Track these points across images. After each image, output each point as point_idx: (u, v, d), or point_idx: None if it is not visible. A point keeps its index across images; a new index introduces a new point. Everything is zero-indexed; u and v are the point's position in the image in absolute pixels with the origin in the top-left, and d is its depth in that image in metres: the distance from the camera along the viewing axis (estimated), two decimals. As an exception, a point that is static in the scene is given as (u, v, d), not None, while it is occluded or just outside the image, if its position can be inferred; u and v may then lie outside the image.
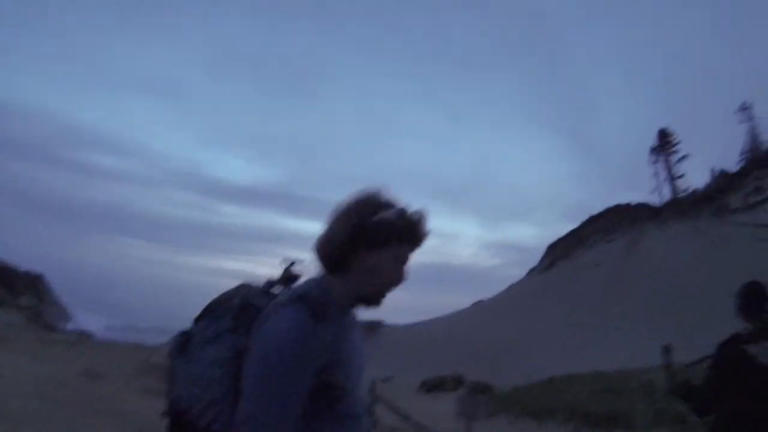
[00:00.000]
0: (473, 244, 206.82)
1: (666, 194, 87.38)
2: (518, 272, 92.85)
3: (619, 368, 27.15)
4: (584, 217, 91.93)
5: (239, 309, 1.80)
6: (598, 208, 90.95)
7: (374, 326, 72.96)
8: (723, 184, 77.21)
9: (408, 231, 1.86)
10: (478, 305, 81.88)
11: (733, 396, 3.73)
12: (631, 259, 70.67)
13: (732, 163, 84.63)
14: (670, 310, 58.19)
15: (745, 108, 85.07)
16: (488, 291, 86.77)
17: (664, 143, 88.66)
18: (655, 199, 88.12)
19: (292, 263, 2.10)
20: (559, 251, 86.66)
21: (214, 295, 1.91)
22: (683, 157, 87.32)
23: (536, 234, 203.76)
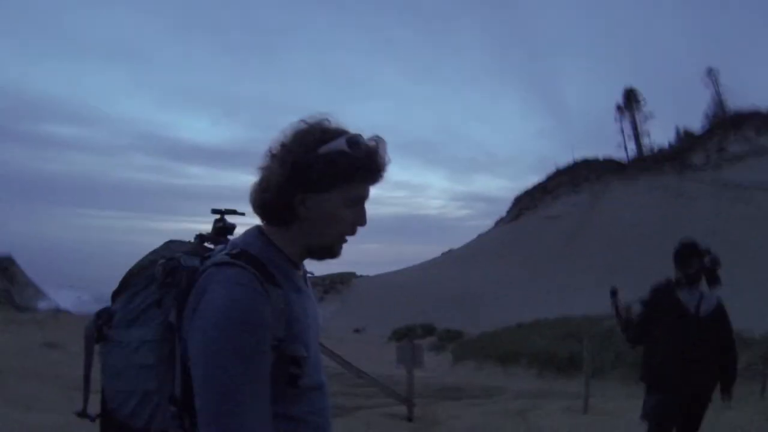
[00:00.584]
0: (442, 195, 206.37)
1: (632, 151, 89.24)
2: (487, 223, 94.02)
3: (583, 315, 27.48)
4: (551, 170, 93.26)
5: (165, 275, 1.44)
6: (565, 162, 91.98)
7: (345, 278, 73.96)
8: (687, 143, 79.16)
9: (363, 164, 1.47)
10: (448, 254, 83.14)
11: (659, 327, 4.66)
12: (595, 211, 72.41)
13: (696, 123, 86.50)
14: (632, 260, 59.46)
15: (711, 72, 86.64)
16: (457, 241, 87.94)
17: (630, 101, 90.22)
18: (620, 155, 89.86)
19: (224, 212, 1.76)
20: (526, 203, 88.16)
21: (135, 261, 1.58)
22: (648, 116, 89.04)
23: (504, 186, 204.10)
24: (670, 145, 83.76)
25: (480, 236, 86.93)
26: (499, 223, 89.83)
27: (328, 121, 1.52)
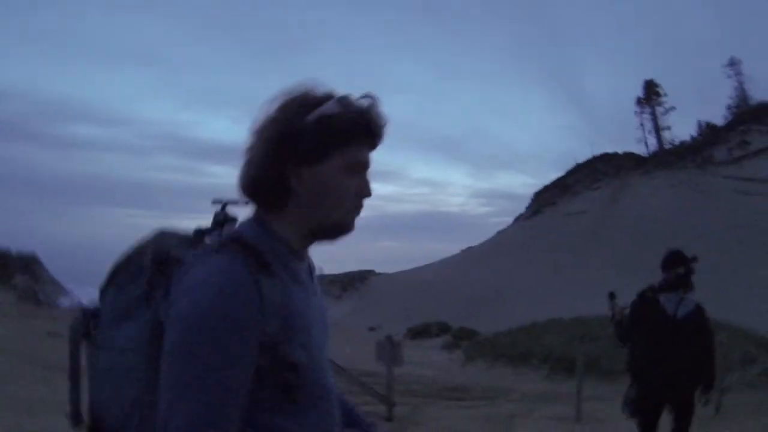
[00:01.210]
0: (463, 192, 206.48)
1: (652, 145, 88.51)
2: (508, 220, 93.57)
3: (599, 314, 26.78)
4: (571, 165, 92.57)
5: (154, 267, 1.29)
6: (585, 157, 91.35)
7: (364, 276, 74.01)
8: (708, 137, 78.15)
9: (359, 125, 1.34)
10: (467, 252, 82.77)
11: (643, 327, 5.11)
12: (615, 207, 71.59)
13: (718, 116, 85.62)
14: (652, 256, 59.09)
15: (733, 63, 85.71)
16: (479, 239, 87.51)
17: (650, 95, 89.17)
18: (640, 150, 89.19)
19: (226, 204, 1.47)
20: (546, 199, 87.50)
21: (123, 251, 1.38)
22: (669, 109, 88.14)
23: (526, 183, 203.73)
24: (692, 139, 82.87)
25: (499, 233, 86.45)
26: (518, 219, 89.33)
27: (314, 87, 1.36)
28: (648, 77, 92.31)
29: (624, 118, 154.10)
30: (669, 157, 77.48)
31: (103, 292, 1.35)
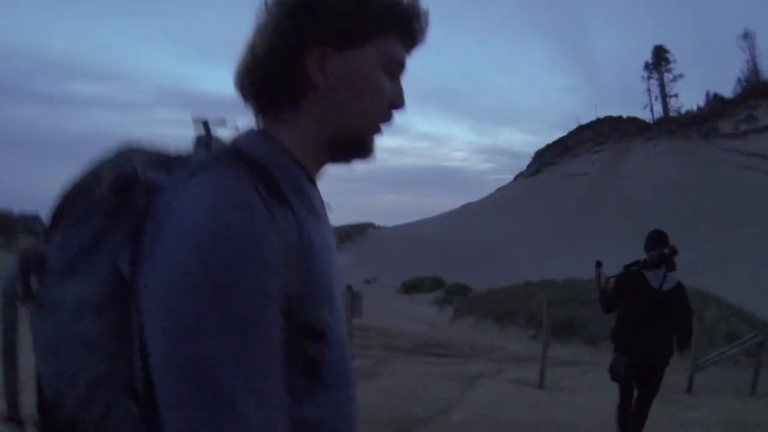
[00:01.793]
0: (465, 147, 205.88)
1: (657, 112, 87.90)
2: (509, 177, 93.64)
3: (593, 277, 26.50)
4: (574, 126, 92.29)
5: (115, 195, 0.85)
6: (589, 119, 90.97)
7: (362, 229, 74.36)
8: (716, 108, 77.20)
9: (400, 14, 1.01)
10: (465, 208, 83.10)
11: (627, 300, 5.53)
12: (615, 171, 71.76)
13: (728, 89, 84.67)
14: (650, 224, 58.31)
15: (747, 36, 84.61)
16: (479, 194, 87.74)
17: (659, 60, 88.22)
18: (646, 116, 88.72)
19: (209, 123, 0.97)
20: (546, 159, 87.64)
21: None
22: (678, 77, 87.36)
23: (528, 141, 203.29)
24: (698, 109, 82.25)
25: (498, 190, 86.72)
26: (518, 177, 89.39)
27: None
28: (658, 42, 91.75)
29: (631, 82, 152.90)
30: (673, 126, 77.04)
31: (48, 234, 0.91)
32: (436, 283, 38.17)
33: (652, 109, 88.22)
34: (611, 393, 5.92)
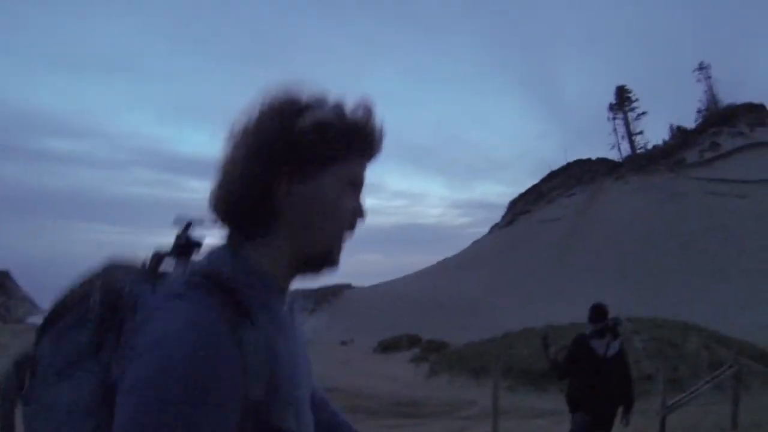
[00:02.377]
0: (441, 203, 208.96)
1: (625, 150, 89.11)
2: (485, 230, 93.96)
3: (572, 321, 26.79)
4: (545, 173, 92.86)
5: (104, 309, 0.98)
6: (559, 164, 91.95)
7: (338, 289, 73.22)
8: (680, 140, 79.09)
9: (358, 136, 1.12)
10: (442, 264, 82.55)
11: (578, 368, 6.14)
12: (589, 213, 71.70)
13: (690, 120, 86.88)
14: (627, 261, 59.51)
15: (703, 67, 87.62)
16: (456, 249, 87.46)
17: (622, 100, 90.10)
18: (614, 155, 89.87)
19: (189, 224, 1.11)
20: (520, 207, 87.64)
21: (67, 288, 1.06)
22: (641, 114, 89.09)
23: (504, 191, 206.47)
24: (664, 143, 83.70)
25: (474, 243, 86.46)
26: (494, 229, 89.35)
27: (301, 89, 1.10)
28: (620, 83, 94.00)
29: (597, 124, 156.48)
30: (641, 162, 78.21)
31: (41, 338, 1.01)
32: (412, 342, 37.28)
33: (619, 148, 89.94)
34: None
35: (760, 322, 28.59)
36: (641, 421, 9.28)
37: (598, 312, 6.31)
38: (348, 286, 75.78)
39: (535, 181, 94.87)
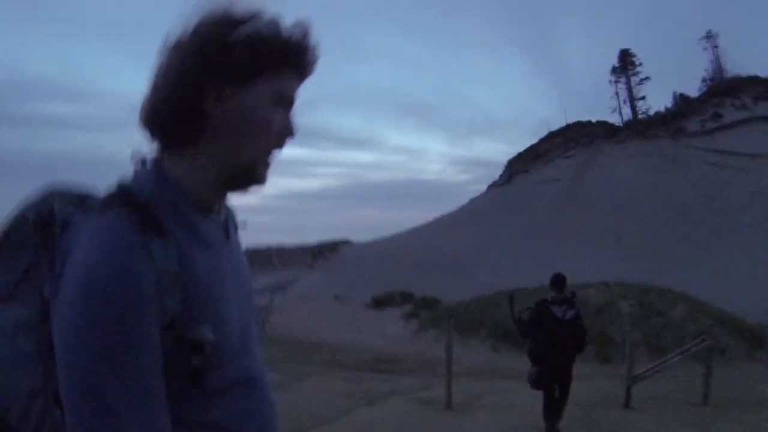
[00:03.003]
0: (441, 160, 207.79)
1: (626, 115, 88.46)
2: (484, 188, 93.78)
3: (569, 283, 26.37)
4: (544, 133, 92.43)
5: (40, 232, 1.07)
6: (559, 125, 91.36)
7: (336, 245, 73.43)
8: (682, 108, 78.03)
9: (289, 50, 1.14)
10: (438, 220, 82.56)
11: (540, 329, 7.19)
12: (587, 175, 71.65)
13: (694, 89, 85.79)
14: (623, 227, 59.60)
15: (710, 36, 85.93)
16: (456, 206, 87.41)
17: (625, 64, 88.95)
18: (615, 119, 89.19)
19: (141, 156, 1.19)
20: (518, 166, 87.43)
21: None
22: (644, 79, 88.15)
23: (503, 150, 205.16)
24: (666, 110, 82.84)
25: (471, 201, 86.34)
26: (491, 187, 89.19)
27: (238, 2, 1.13)
28: (624, 47, 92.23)
29: (600, 87, 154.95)
30: (642, 127, 77.54)
31: None
32: (406, 298, 37.57)
33: (620, 113, 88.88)
34: (521, 414, 6.50)
35: (750, 295, 28.82)
36: (609, 386, 9.54)
37: (558, 281, 7.37)
38: (347, 242, 76.04)
39: (535, 141, 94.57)
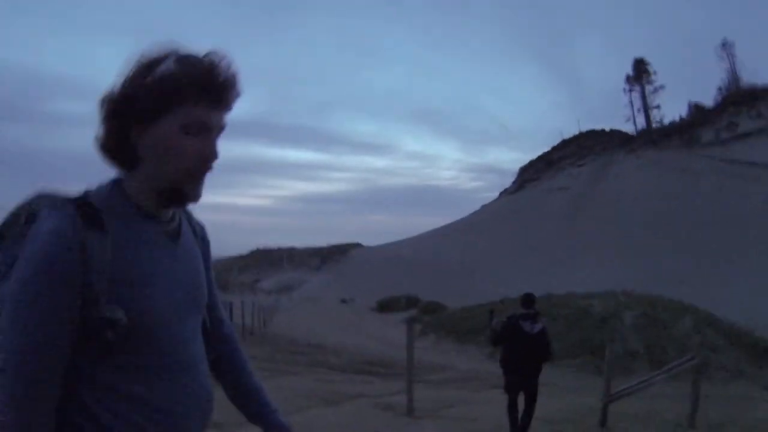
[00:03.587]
0: (454, 166, 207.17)
1: (640, 124, 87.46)
2: (497, 195, 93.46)
3: (568, 292, 26.76)
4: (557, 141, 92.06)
5: (27, 227, 1.30)
6: (572, 133, 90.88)
7: (345, 248, 73.31)
8: (697, 117, 77.36)
9: (195, 82, 1.27)
10: (448, 226, 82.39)
11: (509, 342, 7.54)
12: (598, 184, 71.32)
13: (709, 98, 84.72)
14: (633, 236, 59.23)
15: (726, 45, 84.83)
16: (468, 213, 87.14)
17: (640, 73, 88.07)
18: (628, 128, 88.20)
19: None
20: (530, 174, 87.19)
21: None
22: (659, 88, 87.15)
23: (516, 158, 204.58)
24: (680, 119, 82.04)
25: (483, 207, 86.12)
26: (503, 194, 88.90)
27: (162, 48, 1.31)
28: (639, 56, 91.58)
29: (614, 96, 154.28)
30: (655, 136, 77.00)
31: None
32: (411, 302, 37.79)
33: (635, 121, 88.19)
34: (482, 426, 6.61)
35: (760, 308, 28.29)
36: (594, 401, 9.18)
37: (527, 300, 7.88)
38: (357, 245, 75.96)
39: (547, 149, 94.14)
